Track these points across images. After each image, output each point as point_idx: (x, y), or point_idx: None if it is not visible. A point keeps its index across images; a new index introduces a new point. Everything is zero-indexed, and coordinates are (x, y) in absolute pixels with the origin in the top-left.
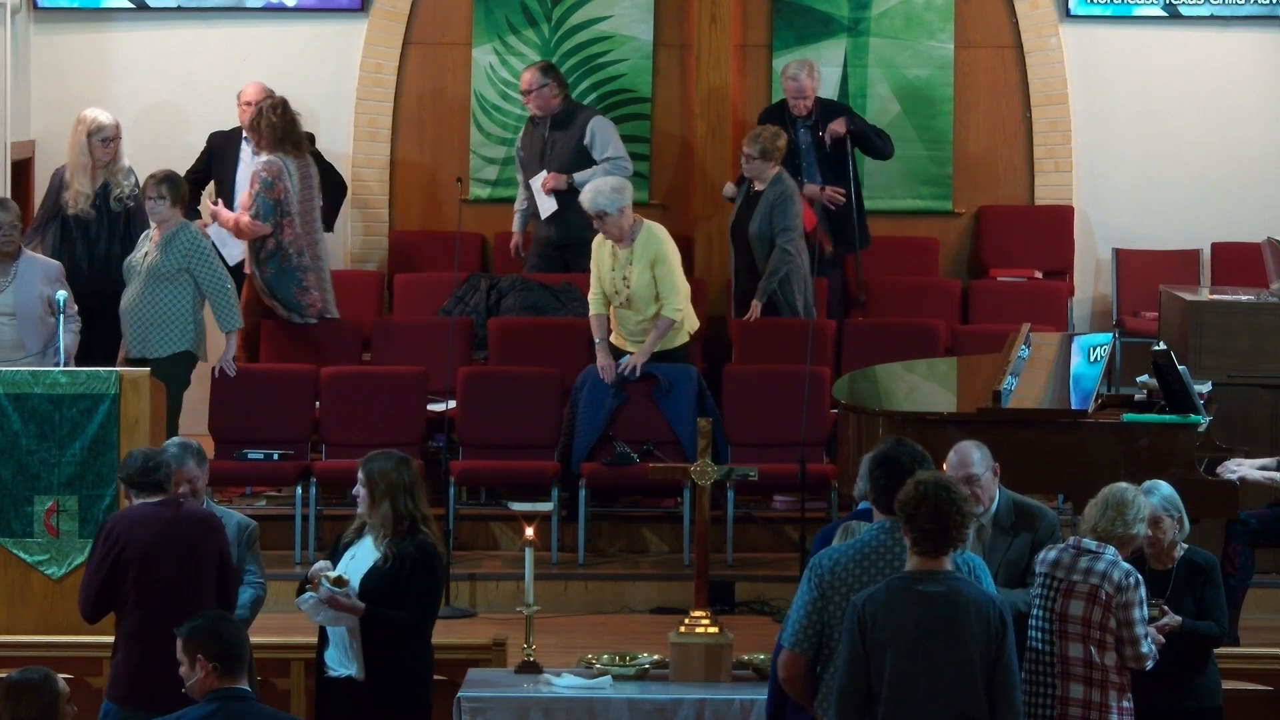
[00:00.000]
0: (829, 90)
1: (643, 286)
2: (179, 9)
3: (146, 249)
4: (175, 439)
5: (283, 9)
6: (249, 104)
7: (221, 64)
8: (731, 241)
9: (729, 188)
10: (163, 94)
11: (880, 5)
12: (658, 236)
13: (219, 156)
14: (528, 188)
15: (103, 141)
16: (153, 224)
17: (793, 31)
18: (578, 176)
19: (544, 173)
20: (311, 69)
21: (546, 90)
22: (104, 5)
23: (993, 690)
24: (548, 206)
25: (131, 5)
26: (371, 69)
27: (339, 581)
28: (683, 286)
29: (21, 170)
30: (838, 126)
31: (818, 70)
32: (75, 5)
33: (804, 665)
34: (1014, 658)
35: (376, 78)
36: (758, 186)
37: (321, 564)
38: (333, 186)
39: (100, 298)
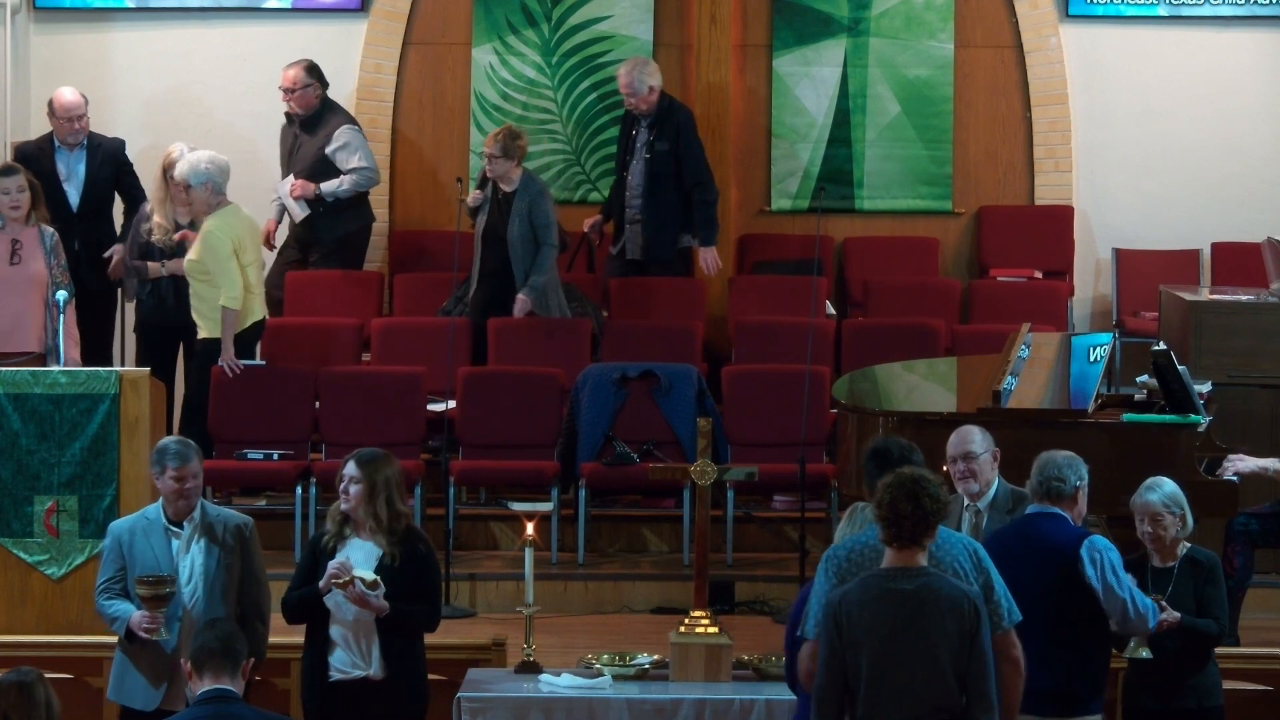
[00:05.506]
0: (828, 90)
1: (188, 265)
2: (179, 9)
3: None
4: (172, 437)
5: (283, 9)
6: (69, 119)
7: (221, 64)
8: (481, 245)
9: (475, 195)
10: (163, 94)
11: (880, 5)
12: (215, 222)
13: (33, 167)
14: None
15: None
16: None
17: (793, 31)
18: (324, 187)
19: (290, 178)
20: None
21: (310, 90)
22: (104, 5)
23: (967, 683)
24: (298, 212)
25: (131, 5)
26: (371, 69)
27: (374, 585)
28: (233, 275)
29: None
30: (709, 259)
31: (652, 69)
32: (75, 5)
33: None
34: (987, 649)
35: (376, 78)
36: (505, 188)
37: (344, 563)
38: None
39: (188, 331)
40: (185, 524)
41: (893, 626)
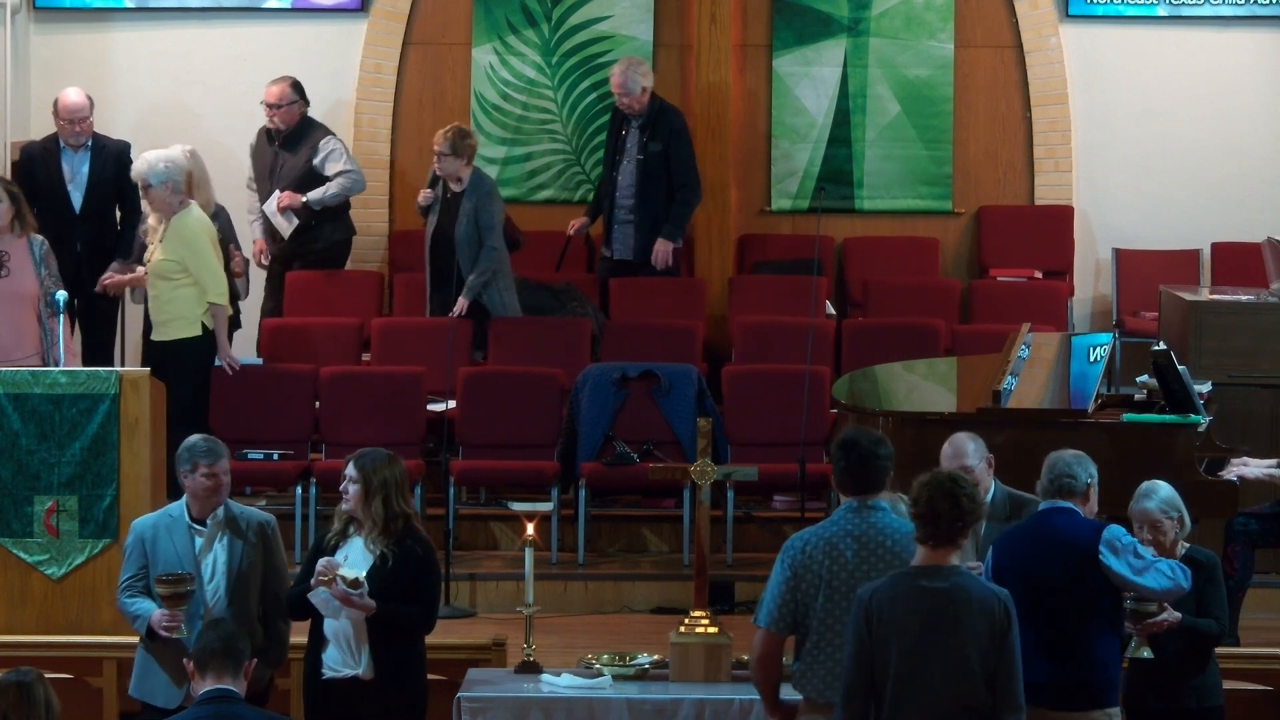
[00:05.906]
0: (828, 90)
1: (159, 265)
2: (179, 9)
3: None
4: (198, 435)
5: (282, 9)
6: (71, 121)
7: (221, 64)
8: (430, 246)
9: (425, 195)
10: (163, 94)
11: (880, 5)
12: (189, 220)
13: (38, 167)
14: (261, 201)
15: None
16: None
17: (792, 31)
18: (311, 195)
19: (276, 193)
20: (311, 69)
21: (295, 107)
22: (104, 5)
23: (995, 683)
24: (285, 226)
25: (131, 5)
26: (371, 69)
27: (355, 583)
28: (219, 271)
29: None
30: (661, 253)
31: (645, 70)
32: (75, 5)
33: (779, 645)
34: (1017, 651)
35: (376, 78)
36: (454, 188)
37: (331, 560)
38: None
39: None
40: (208, 521)
41: (923, 624)
